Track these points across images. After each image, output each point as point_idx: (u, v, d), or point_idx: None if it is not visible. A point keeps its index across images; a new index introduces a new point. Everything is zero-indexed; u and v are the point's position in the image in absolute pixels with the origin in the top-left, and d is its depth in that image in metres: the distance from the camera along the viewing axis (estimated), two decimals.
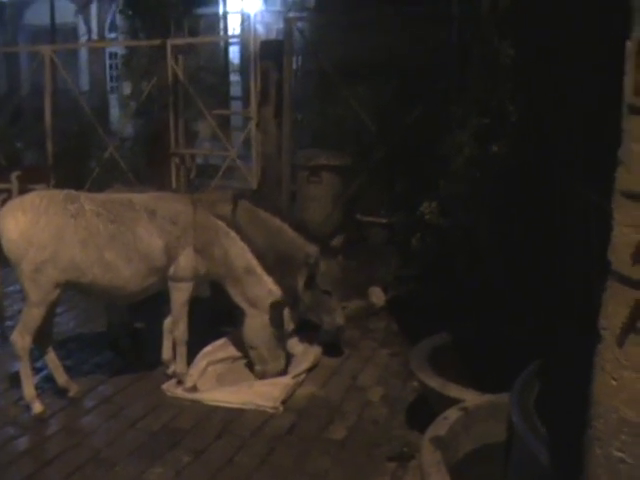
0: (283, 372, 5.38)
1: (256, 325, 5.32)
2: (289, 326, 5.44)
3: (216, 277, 5.36)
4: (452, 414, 3.55)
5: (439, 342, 4.81)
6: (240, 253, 5.27)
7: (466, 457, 3.44)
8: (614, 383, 1.62)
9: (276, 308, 5.25)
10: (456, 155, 6.62)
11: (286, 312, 5.34)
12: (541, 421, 2.42)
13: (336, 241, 5.84)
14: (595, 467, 1.68)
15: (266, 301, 5.26)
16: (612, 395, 1.64)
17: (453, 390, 4.07)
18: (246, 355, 5.60)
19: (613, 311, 1.61)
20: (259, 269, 5.30)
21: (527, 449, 2.34)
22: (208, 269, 5.25)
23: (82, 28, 17.34)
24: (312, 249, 5.56)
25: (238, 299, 5.35)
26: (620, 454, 1.60)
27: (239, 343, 5.66)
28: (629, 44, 1.62)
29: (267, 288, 5.28)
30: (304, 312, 5.83)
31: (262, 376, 5.36)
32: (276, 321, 5.27)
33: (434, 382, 4.24)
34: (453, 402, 3.81)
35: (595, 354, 1.67)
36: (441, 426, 3.45)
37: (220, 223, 5.29)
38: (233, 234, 5.29)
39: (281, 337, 5.38)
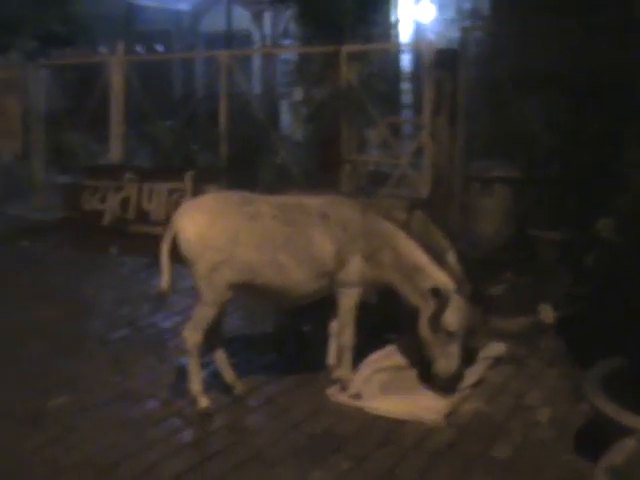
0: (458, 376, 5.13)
1: (422, 315, 5.16)
2: None
3: (388, 282, 5.26)
4: (628, 443, 3.37)
5: (614, 366, 4.58)
6: (411, 251, 5.14)
7: None
8: None
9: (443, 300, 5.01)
10: (635, 171, 6.33)
11: None
12: None
13: (494, 290, 5.49)
14: None
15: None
16: None
17: (629, 418, 3.85)
18: (412, 364, 5.55)
19: None
20: (430, 265, 5.11)
21: None
22: (377, 276, 5.21)
23: (256, 35, 17.82)
24: (449, 283, 5.09)
25: (413, 297, 5.16)
26: None
27: (405, 352, 5.62)
28: None
29: (441, 281, 5.08)
30: None
31: (437, 376, 5.15)
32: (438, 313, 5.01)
33: (608, 408, 4.03)
34: (627, 431, 3.63)
35: None
36: (616, 455, 3.29)
37: (390, 226, 5.22)
38: (403, 234, 5.20)
39: (447, 341, 5.08)
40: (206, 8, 18.76)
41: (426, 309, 5.09)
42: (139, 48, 15.33)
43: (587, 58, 7.57)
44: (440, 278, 5.08)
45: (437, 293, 5.00)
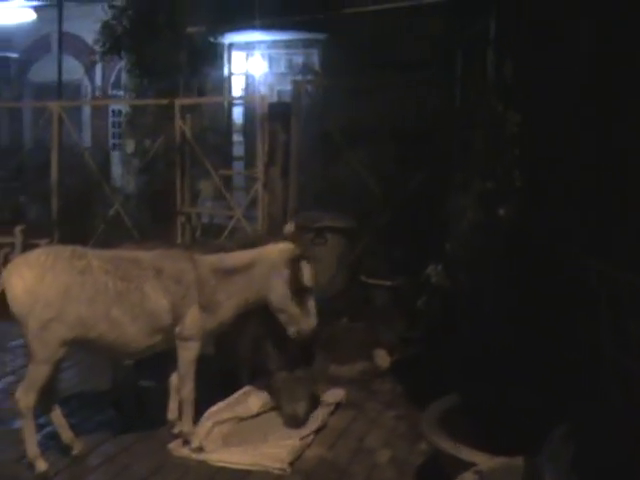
0: (315, 328, 5.50)
1: (278, 287, 5.34)
2: None
3: (240, 311, 5.41)
4: (468, 477, 3.54)
5: (449, 404, 4.79)
6: (238, 256, 5.45)
7: None
8: None
9: (294, 262, 5.33)
10: (460, 219, 6.69)
11: None
12: None
13: (288, 227, 5.81)
14: None
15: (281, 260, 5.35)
16: None
17: (465, 452, 4.04)
18: (252, 416, 5.60)
19: None
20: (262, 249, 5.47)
21: None
22: (220, 320, 5.28)
23: (86, 85, 17.55)
24: (285, 245, 5.48)
25: (271, 288, 5.39)
26: None
27: (245, 404, 5.66)
28: None
29: (282, 249, 5.42)
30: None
31: (297, 336, 5.46)
32: (297, 276, 5.32)
33: (446, 444, 4.21)
34: (466, 465, 3.81)
35: None
36: None
37: (213, 257, 5.40)
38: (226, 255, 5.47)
39: (305, 293, 5.40)
40: (35, 56, 18.29)
41: (274, 283, 5.32)
42: None
43: (411, 111, 7.96)
44: (279, 249, 5.40)
45: (292, 257, 5.34)
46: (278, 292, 5.37)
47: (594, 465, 2.39)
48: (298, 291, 5.37)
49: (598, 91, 4.52)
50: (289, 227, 5.85)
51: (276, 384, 5.81)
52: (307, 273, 5.44)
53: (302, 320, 5.43)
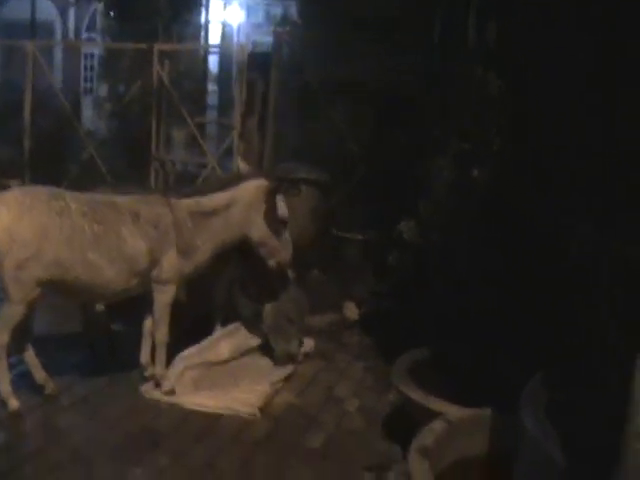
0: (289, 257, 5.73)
1: (258, 222, 5.48)
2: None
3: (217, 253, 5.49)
4: (437, 425, 3.65)
5: (419, 357, 4.91)
6: (214, 197, 5.48)
7: (449, 467, 3.54)
8: None
9: (270, 196, 5.49)
10: (435, 178, 6.76)
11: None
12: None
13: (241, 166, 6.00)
14: (635, 459, 1.81)
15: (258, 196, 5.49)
16: None
17: (435, 403, 4.16)
18: (223, 361, 5.68)
19: None
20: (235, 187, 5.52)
21: (542, 453, 2.44)
22: (197, 264, 5.35)
23: (58, 27, 17.27)
24: (260, 181, 5.59)
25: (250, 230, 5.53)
26: None
27: (216, 349, 5.74)
28: None
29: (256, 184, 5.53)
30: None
31: (278, 267, 5.72)
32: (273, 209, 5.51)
33: (416, 394, 4.33)
34: (434, 415, 3.92)
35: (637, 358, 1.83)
36: (427, 436, 3.55)
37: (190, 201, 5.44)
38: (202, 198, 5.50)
39: (282, 226, 5.60)
40: None
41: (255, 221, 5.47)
42: None
43: (394, 71, 7.97)
44: (255, 186, 5.51)
45: (268, 193, 5.48)
46: (258, 227, 5.49)
47: (567, 410, 2.50)
48: (275, 224, 5.52)
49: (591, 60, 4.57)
50: (242, 165, 6.00)
51: (267, 323, 5.98)
52: (282, 206, 5.60)
53: (281, 252, 5.61)
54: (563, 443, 2.22)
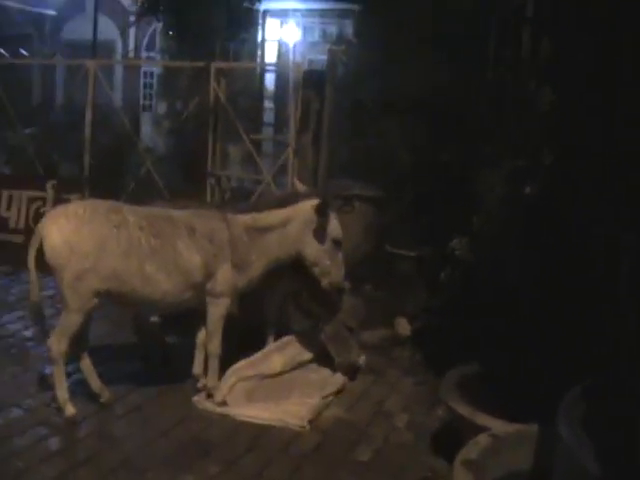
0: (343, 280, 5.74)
1: (312, 241, 5.51)
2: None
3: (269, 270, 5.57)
4: (482, 440, 3.67)
5: (468, 371, 4.92)
6: (267, 215, 5.57)
7: None
8: None
9: (324, 216, 5.51)
10: (488, 194, 6.76)
11: None
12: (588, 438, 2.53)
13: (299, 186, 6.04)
14: None
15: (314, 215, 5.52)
16: None
17: (482, 418, 4.17)
18: (275, 374, 5.75)
19: None
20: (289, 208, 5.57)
21: (575, 461, 2.45)
22: (250, 278, 5.44)
23: (119, 46, 17.66)
24: (312, 201, 5.59)
25: (302, 248, 5.57)
26: None
27: (268, 362, 5.81)
28: None
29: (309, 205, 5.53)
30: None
31: (330, 287, 5.68)
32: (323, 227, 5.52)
33: (463, 409, 4.34)
34: (481, 430, 3.93)
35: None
36: (472, 450, 3.57)
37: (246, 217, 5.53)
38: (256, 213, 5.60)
39: (335, 246, 5.60)
40: (70, 14, 18.36)
41: (310, 242, 5.51)
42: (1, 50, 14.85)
43: (447, 88, 8.00)
44: (311, 205, 5.51)
45: (319, 210, 5.47)
46: (313, 246, 5.52)
47: (603, 421, 2.51)
48: (328, 243, 5.55)
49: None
50: (297, 183, 6.05)
51: (327, 333, 6.07)
52: (336, 226, 5.60)
53: (333, 272, 5.61)
54: (598, 454, 2.23)
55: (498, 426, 3.91)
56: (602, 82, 4.99)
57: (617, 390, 2.18)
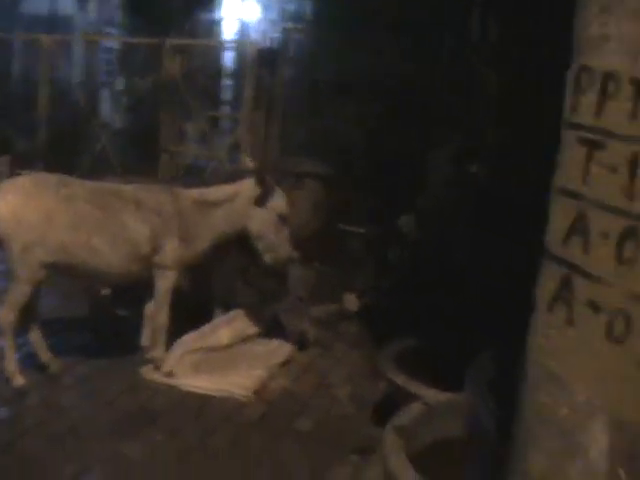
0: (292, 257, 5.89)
1: (257, 216, 5.62)
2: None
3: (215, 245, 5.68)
4: (415, 407, 3.81)
5: (406, 345, 5.08)
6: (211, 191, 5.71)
7: (426, 448, 3.69)
8: (544, 340, 2.01)
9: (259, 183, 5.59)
10: (435, 173, 6.91)
11: None
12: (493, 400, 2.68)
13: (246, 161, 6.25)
14: (528, 412, 2.00)
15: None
16: (542, 351, 2.03)
17: (415, 387, 4.33)
18: (222, 347, 5.86)
19: (545, 284, 2.03)
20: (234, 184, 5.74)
21: (478, 421, 2.60)
22: (196, 251, 5.53)
23: (79, 21, 17.44)
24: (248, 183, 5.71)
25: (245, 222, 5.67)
26: (546, 399, 1.93)
27: (215, 335, 5.92)
28: (569, 72, 2.05)
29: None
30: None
31: (274, 262, 5.79)
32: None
33: (398, 379, 4.50)
34: (416, 399, 4.08)
35: (531, 319, 2.04)
36: (404, 417, 3.71)
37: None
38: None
39: (281, 222, 5.69)
40: None
41: (255, 213, 5.61)
42: None
43: (405, 72, 8.11)
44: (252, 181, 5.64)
45: (258, 183, 5.59)
46: (258, 221, 5.63)
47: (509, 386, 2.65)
48: (274, 220, 5.66)
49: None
50: (247, 161, 6.16)
51: (279, 305, 6.30)
52: (281, 201, 5.70)
53: (279, 248, 5.72)
54: (494, 412, 2.37)
55: (431, 395, 4.05)
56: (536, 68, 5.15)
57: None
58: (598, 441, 1.79)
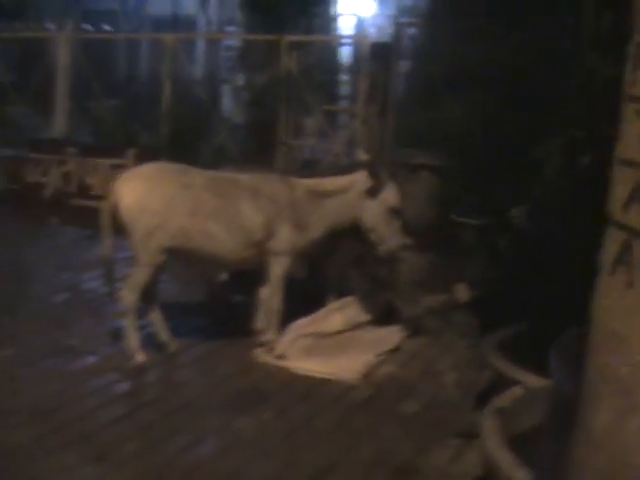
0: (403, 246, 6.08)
1: (370, 208, 5.77)
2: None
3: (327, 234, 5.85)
4: (516, 391, 3.87)
5: (510, 333, 5.11)
6: (324, 182, 5.90)
7: (526, 431, 3.74)
8: (607, 302, 2.10)
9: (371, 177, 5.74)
10: (547, 165, 6.87)
11: None
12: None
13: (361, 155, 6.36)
14: (591, 371, 2.07)
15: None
16: (605, 312, 2.12)
17: (517, 373, 4.37)
18: (334, 333, 6.03)
19: (608, 249, 2.13)
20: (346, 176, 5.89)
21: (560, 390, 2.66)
22: (310, 238, 5.72)
23: (201, 20, 18.05)
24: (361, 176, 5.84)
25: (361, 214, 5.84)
26: (607, 358, 2.01)
27: (328, 320, 6.09)
28: (630, 47, 2.14)
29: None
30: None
31: (386, 253, 5.95)
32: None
33: (501, 365, 4.55)
34: (518, 384, 4.13)
35: (595, 281, 2.16)
36: (504, 400, 3.78)
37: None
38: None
39: (393, 214, 5.85)
40: None
41: (368, 206, 5.76)
42: (87, 26, 15.41)
43: (513, 61, 8.08)
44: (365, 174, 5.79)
45: (370, 177, 5.75)
46: (370, 213, 5.77)
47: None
48: (386, 212, 5.79)
49: None
50: (361, 155, 6.27)
51: (396, 295, 6.47)
52: (393, 195, 5.82)
53: (391, 239, 5.85)
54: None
55: (531, 380, 4.09)
56: None
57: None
58: None
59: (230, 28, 15.11)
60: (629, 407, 1.94)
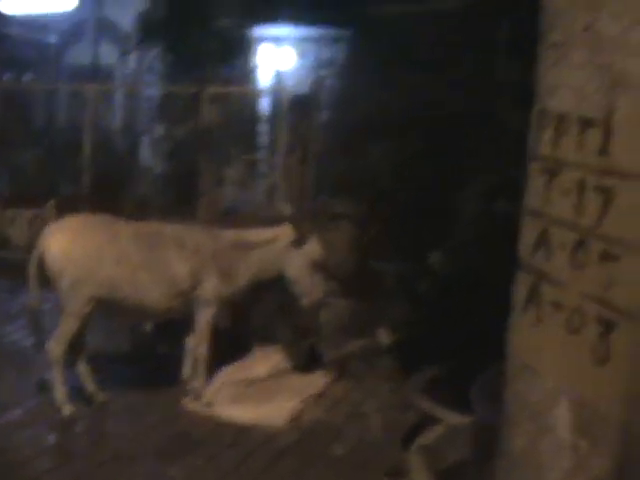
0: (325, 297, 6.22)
1: (294, 261, 5.88)
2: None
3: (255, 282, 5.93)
4: (437, 428, 4.04)
5: (433, 374, 5.30)
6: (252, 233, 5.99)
7: (450, 467, 3.90)
8: (519, 337, 2.36)
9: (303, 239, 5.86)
10: (464, 209, 7.14)
11: None
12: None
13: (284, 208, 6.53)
14: (508, 399, 2.28)
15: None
16: (518, 346, 2.38)
17: (440, 412, 4.54)
18: (259, 379, 6.11)
19: (519, 289, 2.43)
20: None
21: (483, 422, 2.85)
22: (236, 287, 5.80)
23: (120, 70, 18.03)
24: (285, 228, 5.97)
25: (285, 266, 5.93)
26: (521, 387, 2.25)
27: (253, 368, 6.18)
28: (534, 113, 2.46)
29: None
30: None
31: (308, 305, 6.04)
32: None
33: (425, 405, 4.72)
34: (440, 422, 4.30)
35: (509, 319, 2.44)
36: (427, 437, 3.93)
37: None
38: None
39: (315, 267, 5.94)
40: (72, 41, 18.84)
41: (290, 258, 5.88)
42: (6, 75, 15.26)
43: (430, 109, 8.38)
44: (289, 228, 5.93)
45: (297, 227, 5.90)
46: (293, 265, 5.89)
47: None
48: (309, 265, 5.91)
49: None
50: (285, 208, 6.43)
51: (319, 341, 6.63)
52: (316, 248, 5.95)
53: (313, 291, 5.97)
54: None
55: (453, 418, 4.26)
56: None
57: None
58: (563, 419, 2.09)
59: (150, 78, 15.16)
60: (542, 428, 2.16)
